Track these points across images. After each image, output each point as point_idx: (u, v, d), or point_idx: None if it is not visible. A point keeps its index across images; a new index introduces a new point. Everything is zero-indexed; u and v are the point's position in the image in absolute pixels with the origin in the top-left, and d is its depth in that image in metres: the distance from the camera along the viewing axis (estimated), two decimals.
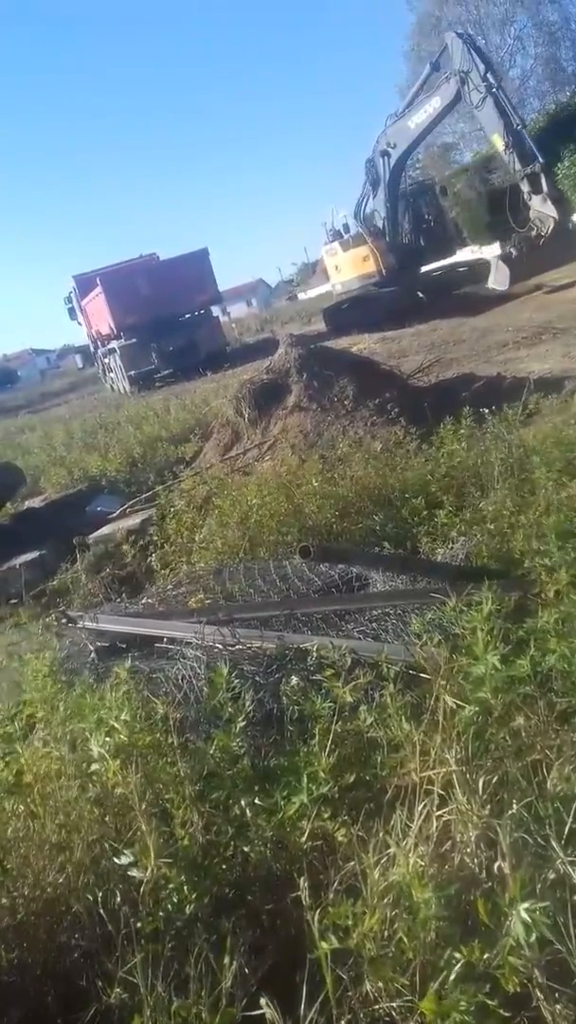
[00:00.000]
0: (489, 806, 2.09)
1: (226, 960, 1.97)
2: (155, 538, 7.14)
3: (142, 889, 2.24)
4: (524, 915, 1.70)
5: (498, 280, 18.64)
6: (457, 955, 1.76)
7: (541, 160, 18.43)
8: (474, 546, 4.70)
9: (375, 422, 8.74)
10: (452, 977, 1.72)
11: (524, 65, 33.63)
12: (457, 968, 1.73)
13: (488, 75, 18.68)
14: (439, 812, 2.12)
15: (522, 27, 36.42)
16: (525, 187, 18.47)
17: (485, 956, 1.76)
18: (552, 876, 1.91)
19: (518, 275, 18.21)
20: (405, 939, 1.84)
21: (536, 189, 18.37)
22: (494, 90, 18.61)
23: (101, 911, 2.30)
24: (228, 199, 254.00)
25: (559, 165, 23.21)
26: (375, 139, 23.14)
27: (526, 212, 18.84)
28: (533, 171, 18.12)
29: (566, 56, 36.62)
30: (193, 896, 2.21)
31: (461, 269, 25.80)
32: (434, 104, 20.76)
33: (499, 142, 18.83)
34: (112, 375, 33.09)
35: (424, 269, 25.44)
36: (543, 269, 18.03)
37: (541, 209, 18.37)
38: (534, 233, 18.41)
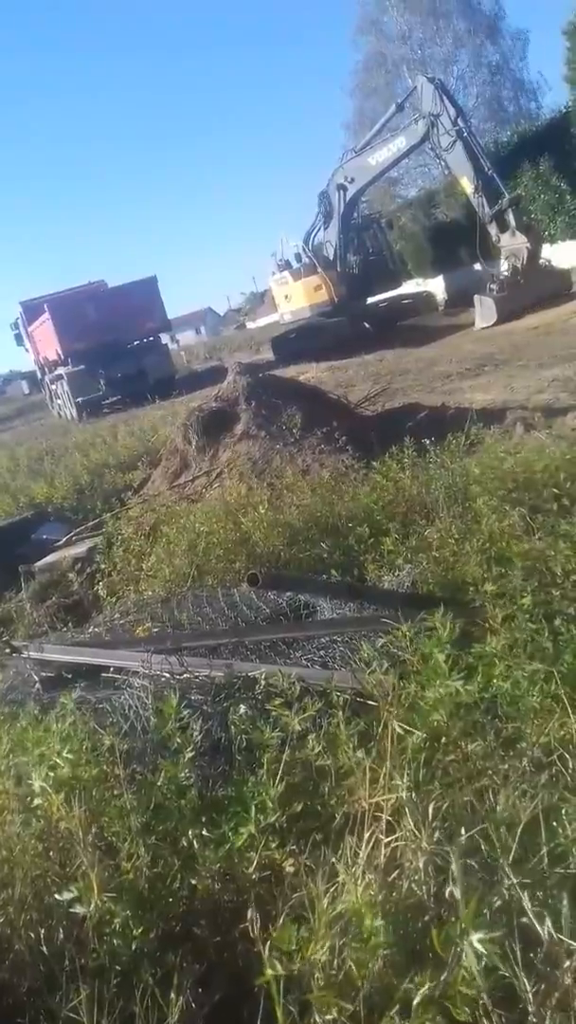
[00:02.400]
0: (438, 833, 2.10)
1: (172, 995, 1.94)
2: (102, 566, 7.08)
3: (86, 924, 2.20)
4: (477, 945, 1.71)
5: (484, 317, 18.92)
6: (410, 984, 1.76)
7: (507, 195, 18.88)
8: (420, 573, 4.75)
9: (322, 450, 8.82)
10: (406, 1003, 1.72)
11: (466, 104, 34.44)
12: (422, 993, 1.73)
13: (459, 120, 19.19)
14: (388, 839, 2.13)
15: (464, 67, 37.47)
16: (493, 229, 18.93)
17: (434, 983, 1.77)
18: (498, 902, 1.92)
19: (504, 312, 18.41)
20: (354, 968, 1.84)
21: (503, 227, 18.80)
22: (464, 135, 19.11)
23: (44, 948, 2.25)
24: (177, 228, 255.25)
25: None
26: (331, 173, 23.63)
27: (497, 255, 19.27)
28: (500, 208, 18.54)
29: (507, 96, 37.72)
30: (139, 931, 2.17)
31: (406, 301, 26.34)
32: (399, 144, 21.32)
33: (468, 185, 19.31)
34: (59, 401, 32.83)
35: (370, 300, 25.89)
36: (526, 304, 18.26)
37: (512, 244, 18.81)
38: (510, 269, 18.80)
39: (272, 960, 1.78)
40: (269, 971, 1.76)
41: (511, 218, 18.79)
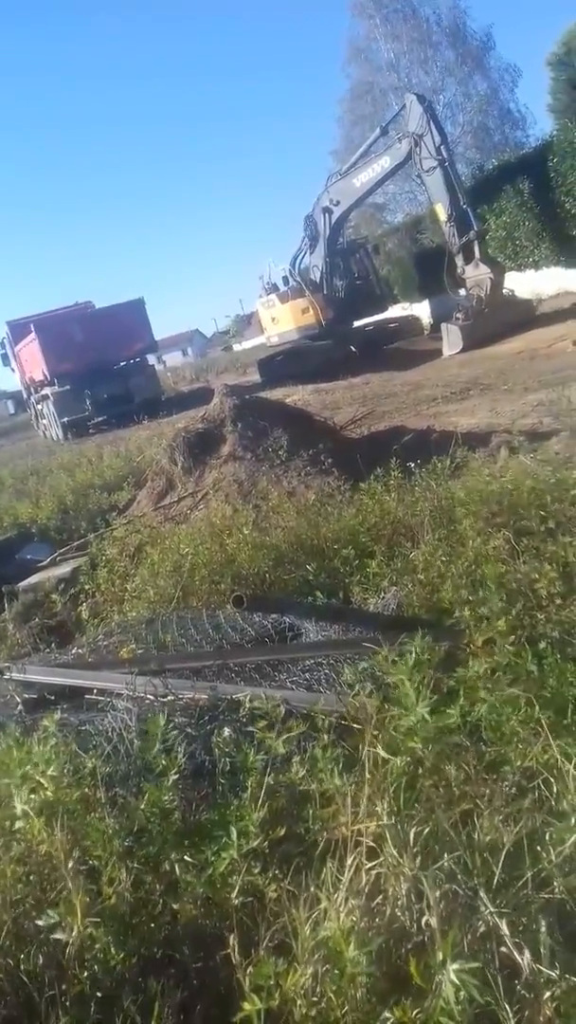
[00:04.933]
0: (419, 858, 2.10)
1: (154, 1022, 1.92)
2: (86, 587, 7.05)
3: (67, 950, 2.17)
4: (453, 977, 1.70)
5: (451, 344, 19.67)
6: (388, 1015, 1.75)
7: (476, 229, 19.46)
8: (405, 596, 4.76)
9: (308, 472, 8.83)
10: None
11: (453, 132, 34.88)
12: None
13: (442, 148, 19.57)
14: (370, 865, 2.12)
15: (452, 96, 37.98)
16: (460, 261, 19.54)
17: (416, 1013, 1.75)
18: (481, 928, 1.92)
19: (470, 340, 19.13)
20: (333, 997, 1.82)
21: (468, 258, 19.43)
22: (446, 164, 19.51)
23: (23, 975, 2.22)
24: (165, 251, 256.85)
25: (486, 227, 24.20)
26: (316, 197, 23.87)
27: (463, 283, 19.90)
28: (468, 239, 19.15)
29: (493, 124, 38.22)
30: (120, 956, 2.15)
31: (392, 325, 26.55)
32: (383, 163, 21.64)
33: (441, 213, 19.95)
34: (45, 422, 32.81)
35: (356, 324, 26.06)
36: (492, 334, 18.94)
37: (475, 274, 19.69)
38: (475, 299, 19.60)
39: (251, 995, 1.76)
40: (247, 1005, 1.74)
41: (476, 250, 19.62)
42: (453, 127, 35.30)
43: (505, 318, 19.30)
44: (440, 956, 1.72)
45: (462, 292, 20.54)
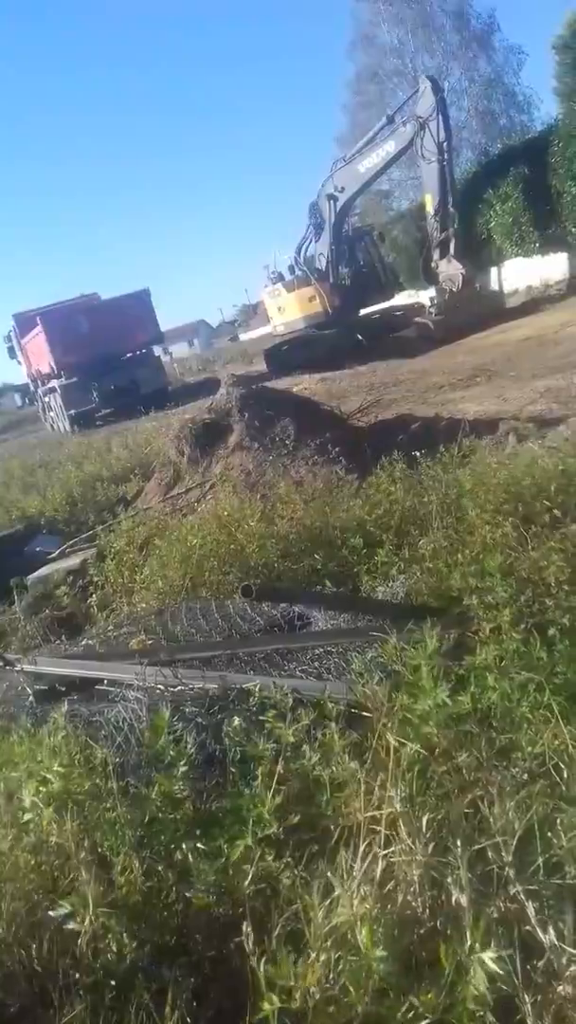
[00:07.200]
0: (433, 844, 2.09)
1: (168, 1010, 1.93)
2: (95, 579, 7.06)
3: (80, 940, 2.18)
4: (490, 963, 1.69)
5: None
6: (414, 1001, 1.75)
7: (455, 227, 20.24)
8: (413, 584, 4.74)
9: (316, 461, 8.80)
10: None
11: (458, 117, 34.55)
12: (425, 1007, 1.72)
13: (444, 145, 19.66)
14: (383, 852, 2.11)
15: (456, 80, 37.62)
16: (436, 255, 20.08)
17: (437, 1002, 1.75)
18: (495, 914, 1.91)
19: (440, 333, 20.17)
20: (349, 985, 1.82)
21: (443, 253, 20.38)
22: (444, 162, 19.64)
23: (36, 965, 2.23)
24: (170, 241, 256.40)
25: (491, 213, 24.08)
26: (320, 183, 23.75)
27: (436, 277, 20.90)
28: (447, 236, 19.62)
29: (498, 109, 37.88)
30: (133, 945, 2.16)
31: (398, 313, 26.43)
32: (387, 148, 21.74)
33: (429, 204, 20.31)
34: (52, 414, 32.87)
35: (362, 312, 25.96)
36: (461, 328, 19.77)
37: (448, 270, 20.44)
38: (447, 294, 20.54)
39: (269, 996, 1.76)
40: (266, 1005, 1.73)
41: (452, 247, 20.26)
42: (458, 112, 34.91)
43: (475, 311, 20.22)
44: (469, 941, 1.72)
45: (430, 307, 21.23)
